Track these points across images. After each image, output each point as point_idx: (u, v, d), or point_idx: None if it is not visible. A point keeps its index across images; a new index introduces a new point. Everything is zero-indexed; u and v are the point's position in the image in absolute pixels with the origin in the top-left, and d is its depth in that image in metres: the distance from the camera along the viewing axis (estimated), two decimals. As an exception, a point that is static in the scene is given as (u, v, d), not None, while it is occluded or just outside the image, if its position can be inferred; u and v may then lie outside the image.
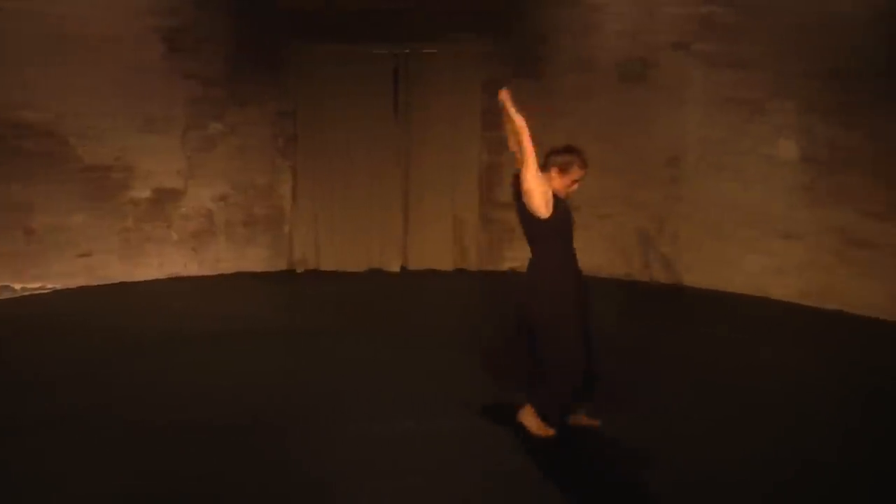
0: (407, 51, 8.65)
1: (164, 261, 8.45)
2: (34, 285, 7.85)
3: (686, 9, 8.11)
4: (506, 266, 9.13)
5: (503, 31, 8.61)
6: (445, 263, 9.17)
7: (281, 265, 8.89)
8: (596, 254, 8.80)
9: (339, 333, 6.94)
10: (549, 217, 4.71)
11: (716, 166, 8.28)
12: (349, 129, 8.77)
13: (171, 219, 8.45)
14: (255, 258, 8.82)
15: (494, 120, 8.74)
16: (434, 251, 9.16)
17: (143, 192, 8.27)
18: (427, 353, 6.49)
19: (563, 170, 4.80)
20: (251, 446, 4.85)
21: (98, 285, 8.10)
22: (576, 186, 4.85)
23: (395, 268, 9.11)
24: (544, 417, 4.90)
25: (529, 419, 4.95)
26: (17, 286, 7.78)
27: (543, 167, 4.76)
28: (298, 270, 8.86)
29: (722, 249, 8.33)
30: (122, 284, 8.21)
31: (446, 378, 5.95)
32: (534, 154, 4.64)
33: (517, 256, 9.02)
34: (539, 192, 4.65)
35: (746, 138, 8.09)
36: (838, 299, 7.71)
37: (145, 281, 8.32)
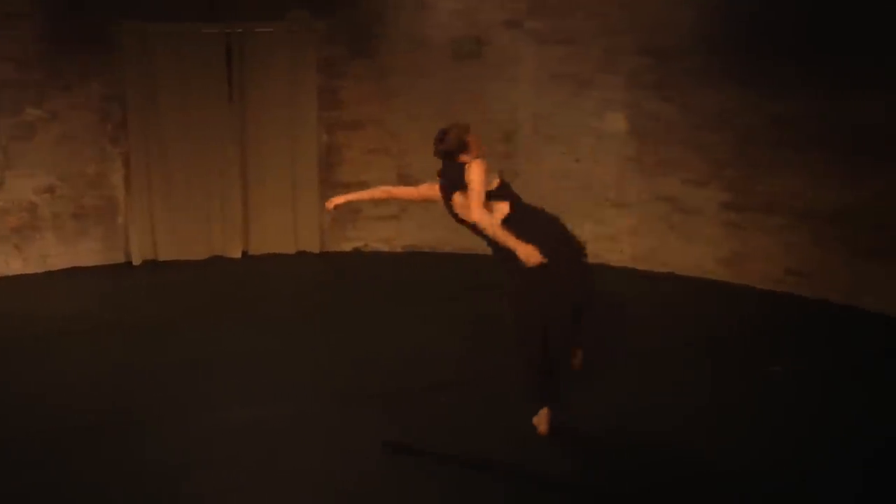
0: (240, 30, 8.38)
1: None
2: None
3: (516, -13, 8.34)
4: (349, 247, 9.11)
5: (339, 9, 8.51)
6: (288, 247, 9.03)
7: (117, 258, 8.44)
8: (436, 229, 8.97)
9: (180, 325, 6.77)
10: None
11: (548, 140, 8.58)
12: (182, 112, 8.41)
13: (-12, 214, 7.86)
14: (87, 252, 8.32)
15: (331, 100, 8.76)
16: (276, 235, 8.98)
17: (-48, 186, 7.65)
18: (269, 339, 6.42)
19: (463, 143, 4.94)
20: (92, 446, 4.73)
21: None
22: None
23: (237, 254, 8.87)
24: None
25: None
26: None
27: (453, 153, 4.85)
28: (135, 262, 8.45)
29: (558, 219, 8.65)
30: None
31: (287, 365, 5.93)
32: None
33: (360, 237, 9.08)
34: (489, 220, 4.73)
35: (577, 112, 8.42)
36: (669, 262, 8.22)
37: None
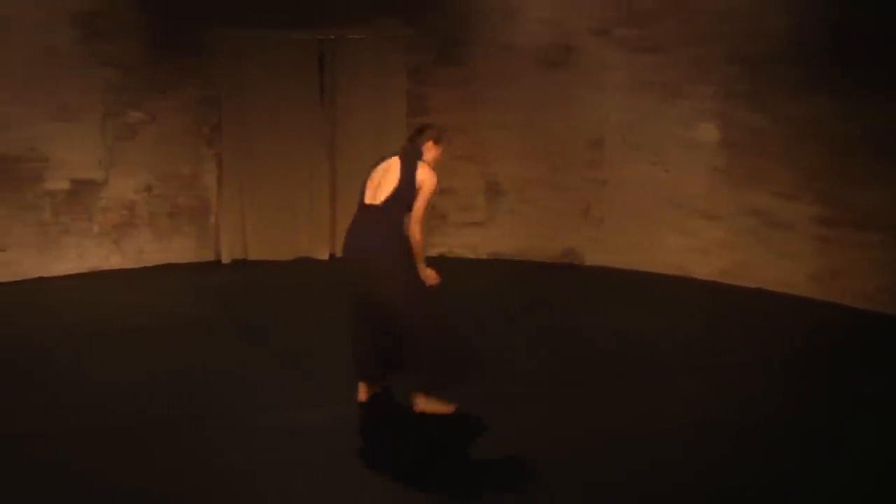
0: (332, 37, 8.56)
1: (84, 254, 8.19)
2: (-54, 282, 7.57)
3: (605, -4, 8.27)
4: (433, 252, 9.16)
5: (427, 16, 8.60)
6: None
7: (208, 256, 8.72)
8: (522, 238, 8.96)
9: (263, 324, 6.89)
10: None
11: (637, 149, 8.46)
12: (274, 116, 8.64)
13: (91, 211, 8.19)
14: (180, 249, 8.63)
15: (418, 106, 8.85)
16: (362, 238, 9.11)
17: (59, 184, 7.99)
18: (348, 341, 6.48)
19: (437, 141, 5.30)
20: (168, 442, 4.83)
21: (13, 281, 7.82)
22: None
23: (324, 255, 9.04)
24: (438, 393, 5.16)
25: (427, 404, 5.18)
26: (-73, 284, 7.50)
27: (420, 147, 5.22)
28: (225, 261, 8.71)
29: (644, 231, 8.53)
30: (40, 280, 7.94)
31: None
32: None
33: (445, 242, 9.12)
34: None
35: (665, 122, 8.28)
36: (758, 278, 8.00)
37: (64, 275, 8.06)
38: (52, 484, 4.37)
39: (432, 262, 8.81)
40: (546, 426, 5.16)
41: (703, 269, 8.26)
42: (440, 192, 8.90)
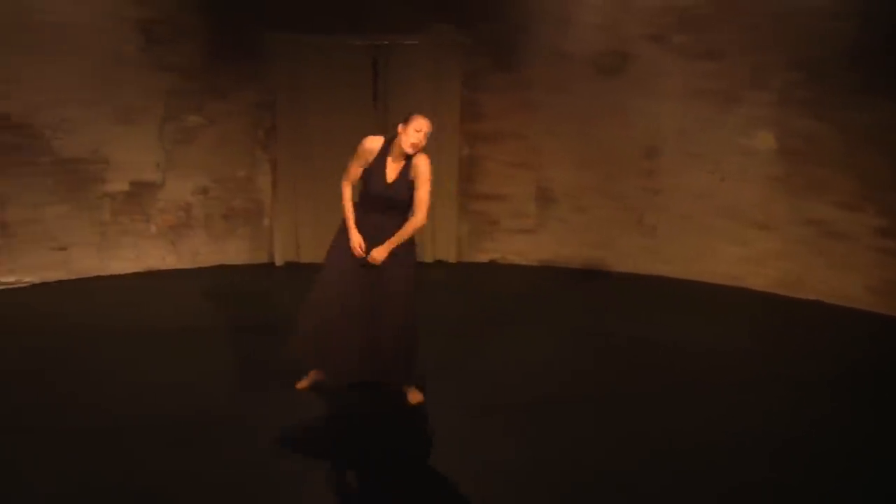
0: (386, 42, 8.62)
1: (141, 254, 8.39)
2: (9, 279, 7.78)
3: (663, 1, 8.13)
4: (485, 258, 9.15)
5: (482, 23, 8.61)
6: (425, 255, 9.17)
7: (261, 258, 8.85)
8: (574, 245, 8.88)
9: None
10: None
11: (693, 157, 8.32)
12: (329, 120, 8.71)
13: (149, 212, 8.39)
14: (234, 251, 8.77)
15: (473, 112, 8.86)
16: (414, 243, 9.15)
17: (119, 185, 8.19)
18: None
19: (405, 122, 5.10)
20: (215, 439, 4.89)
21: (74, 279, 8.03)
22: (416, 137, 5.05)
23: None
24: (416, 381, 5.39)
25: (416, 395, 5.38)
26: (-8, 280, 7.75)
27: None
28: (278, 263, 8.83)
29: (699, 240, 8.39)
30: (98, 278, 8.14)
31: (425, 372, 5.97)
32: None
33: (496, 248, 9.10)
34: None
35: (723, 130, 8.14)
36: (815, 290, 7.79)
37: (122, 274, 8.25)
38: (100, 478, 4.47)
39: (483, 267, 8.96)
40: (592, 435, 5.11)
41: (758, 279, 8.08)
42: (492, 197, 9.00)
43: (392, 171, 5.07)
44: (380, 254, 5.12)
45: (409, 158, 5.06)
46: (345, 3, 8.47)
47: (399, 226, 5.11)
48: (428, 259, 9.16)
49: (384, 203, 5.11)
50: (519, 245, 9.07)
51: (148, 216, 8.39)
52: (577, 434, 5.10)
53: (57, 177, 7.90)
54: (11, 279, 7.81)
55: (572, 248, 8.88)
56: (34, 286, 7.85)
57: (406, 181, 5.07)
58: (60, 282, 7.96)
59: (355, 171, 5.21)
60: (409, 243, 5.22)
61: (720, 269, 8.28)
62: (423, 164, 5.06)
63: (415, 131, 4.97)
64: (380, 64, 8.69)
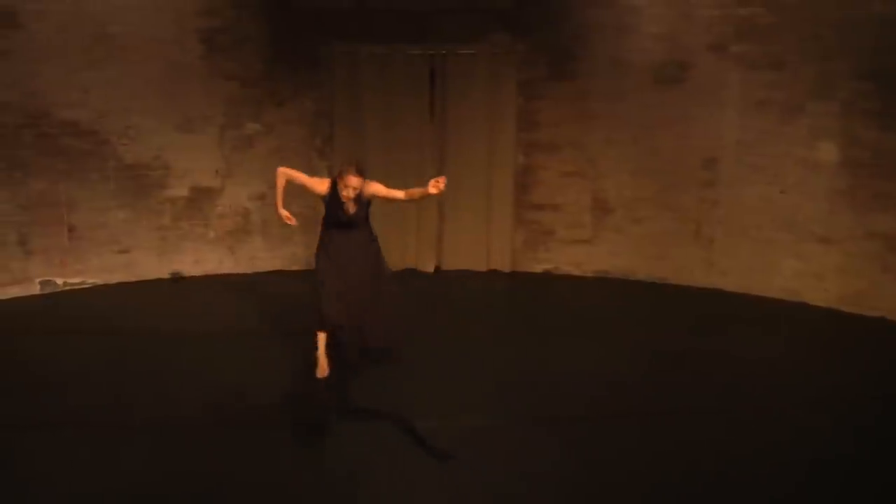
0: (443, 52, 8.67)
1: (200, 258, 8.59)
2: (75, 280, 8.06)
3: (723, 10, 7.98)
4: (539, 268, 9.10)
5: (539, 32, 8.58)
6: (479, 264, 9.18)
7: (316, 264, 8.98)
8: (629, 256, 8.77)
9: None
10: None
11: (752, 169, 8.13)
12: (385, 128, 8.80)
13: (208, 217, 8.59)
14: (291, 257, 8.91)
15: (529, 121, 8.83)
16: (468, 252, 9.16)
17: (180, 191, 8.42)
18: (453, 353, 6.51)
19: (339, 176, 5.90)
20: (277, 442, 4.94)
21: (135, 281, 8.27)
22: (350, 191, 5.86)
23: (430, 268, 9.14)
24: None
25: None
26: (60, 281, 8.00)
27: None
28: (333, 269, 8.94)
29: (758, 253, 8.19)
30: (159, 281, 8.37)
31: (467, 380, 5.97)
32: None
33: (551, 259, 9.04)
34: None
35: (784, 141, 7.94)
36: (880, 306, 7.54)
37: (181, 278, 8.46)
38: (160, 473, 4.58)
39: (537, 277, 8.91)
40: (644, 451, 5.01)
41: (818, 294, 7.85)
42: (548, 207, 8.94)
43: (350, 206, 5.94)
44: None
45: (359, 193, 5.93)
46: (403, 13, 8.54)
47: (365, 236, 6.11)
48: (482, 268, 9.16)
49: (349, 226, 6.00)
50: (574, 255, 8.99)
51: (207, 221, 8.58)
52: (623, 446, 5.03)
53: (121, 182, 8.16)
54: (78, 280, 8.08)
55: (628, 260, 8.77)
56: (98, 287, 8.11)
57: (363, 207, 6.00)
58: (122, 284, 8.20)
59: (299, 180, 6.14)
60: (375, 239, 6.22)
61: (778, 283, 8.07)
62: (374, 188, 5.95)
63: (346, 186, 5.82)
64: (437, 73, 8.75)
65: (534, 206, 9.04)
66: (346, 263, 6.02)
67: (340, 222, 6.01)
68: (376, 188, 5.98)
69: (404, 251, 9.07)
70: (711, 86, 8.19)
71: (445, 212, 9.11)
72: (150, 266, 8.40)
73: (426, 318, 7.50)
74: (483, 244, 9.17)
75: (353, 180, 5.80)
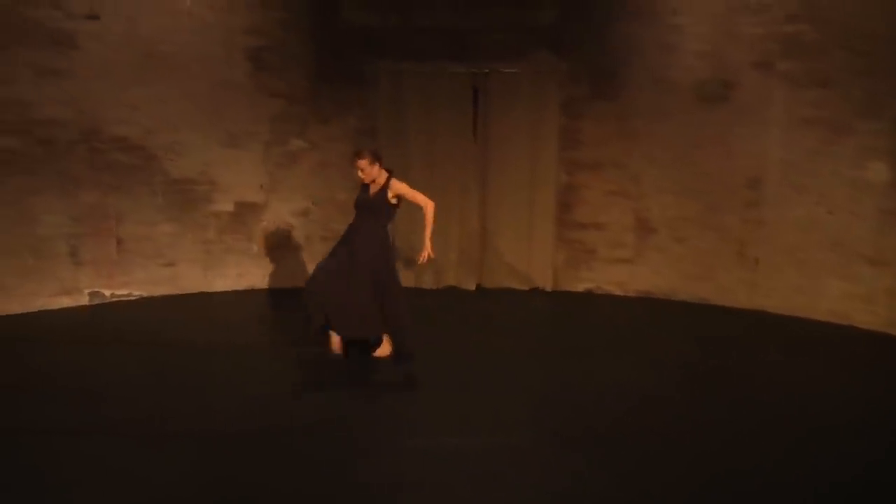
0: (486, 70, 8.71)
1: (244, 272, 8.72)
2: (122, 292, 8.23)
3: (769, 27, 7.88)
4: (581, 287, 9.04)
5: (582, 50, 8.57)
6: (521, 283, 9.15)
7: (357, 280, 9.04)
8: (672, 276, 8.66)
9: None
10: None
11: (798, 189, 7.99)
12: (428, 146, 8.87)
13: (252, 232, 8.72)
14: (332, 272, 9.00)
15: (571, 140, 8.80)
16: (510, 271, 9.14)
17: (225, 206, 8.58)
18: (492, 371, 6.48)
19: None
20: (302, 454, 4.95)
21: (179, 294, 8.42)
22: (358, 173, 6.42)
23: (471, 286, 9.13)
24: (400, 346, 6.46)
25: (387, 349, 6.54)
26: (107, 292, 8.18)
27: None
28: (374, 286, 8.99)
29: (804, 275, 8.02)
30: (202, 294, 8.51)
31: (504, 398, 5.93)
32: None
33: (593, 278, 8.97)
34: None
35: (831, 160, 7.78)
36: (931, 331, 7.33)
37: (224, 291, 8.60)
38: (196, 485, 4.60)
39: (578, 296, 8.84)
40: (683, 476, 4.84)
41: (867, 318, 7.65)
42: (590, 226, 8.89)
43: (370, 191, 6.46)
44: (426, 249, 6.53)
45: (385, 184, 6.41)
46: (447, 31, 8.61)
47: (371, 227, 6.42)
48: (523, 287, 9.13)
49: (362, 210, 6.48)
50: (616, 275, 8.91)
51: (251, 236, 8.72)
52: (658, 466, 4.92)
53: (168, 196, 8.34)
54: (124, 291, 8.26)
55: (670, 280, 8.66)
56: (143, 299, 8.27)
57: (380, 198, 6.40)
58: (167, 296, 8.36)
59: None
60: (385, 238, 6.49)
61: (825, 305, 7.89)
62: (399, 186, 6.40)
63: (355, 168, 6.40)
64: (480, 91, 8.79)
65: (576, 224, 9.00)
66: (345, 245, 6.45)
67: (357, 203, 6.52)
68: (401, 187, 6.39)
69: (446, 268, 9.09)
70: (756, 104, 8.08)
71: (487, 229, 9.11)
72: (195, 279, 8.55)
73: (465, 335, 7.52)
74: (525, 262, 9.14)
75: (358, 162, 6.33)
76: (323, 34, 8.59)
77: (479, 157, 8.96)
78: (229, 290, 8.63)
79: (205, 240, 8.56)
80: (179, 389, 5.98)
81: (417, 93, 8.77)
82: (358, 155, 6.36)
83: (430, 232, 6.45)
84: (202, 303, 8.34)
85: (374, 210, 6.42)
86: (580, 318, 8.29)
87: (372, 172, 6.37)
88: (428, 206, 6.40)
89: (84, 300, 8.07)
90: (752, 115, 8.11)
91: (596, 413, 5.71)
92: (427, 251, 6.48)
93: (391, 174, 6.46)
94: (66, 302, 7.98)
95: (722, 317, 8.18)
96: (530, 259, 9.13)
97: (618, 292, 8.91)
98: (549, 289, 9.10)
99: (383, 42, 8.60)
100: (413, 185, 8.87)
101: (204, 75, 8.30)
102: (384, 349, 6.58)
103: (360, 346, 6.59)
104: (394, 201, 6.42)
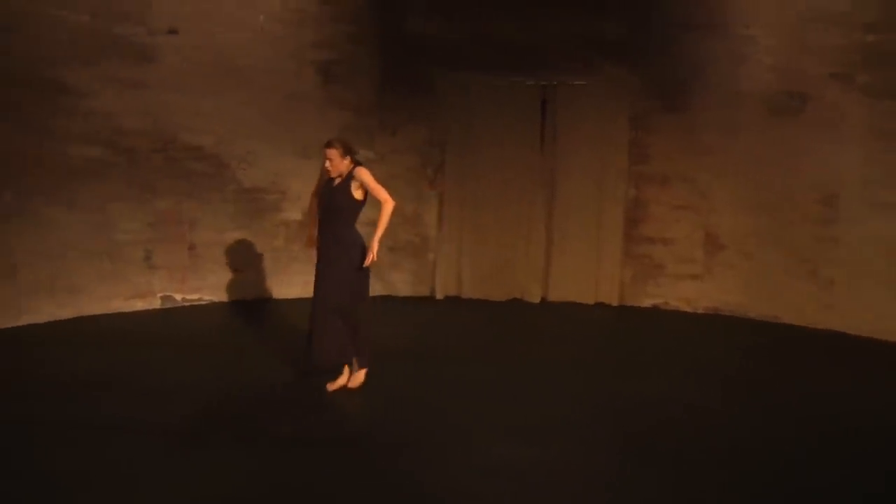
0: (555, 82, 8.68)
1: (310, 281, 8.80)
2: (193, 296, 8.48)
3: (846, 39, 7.67)
4: (648, 303, 8.89)
5: (651, 63, 8.46)
6: (587, 297, 9.05)
7: (424, 291, 9.10)
8: (741, 293, 8.44)
9: (468, 359, 6.99)
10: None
11: (877, 206, 7.70)
12: (496, 158, 8.88)
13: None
14: (398, 283, 9.08)
15: (640, 153, 8.68)
16: (575, 284, 9.06)
17: (293, 214, 8.74)
18: (553, 383, 6.43)
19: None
20: (365, 461, 4.97)
21: (247, 300, 8.63)
22: (325, 163, 5.95)
23: (536, 299, 9.09)
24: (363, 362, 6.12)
25: (362, 378, 6.12)
26: (178, 297, 8.43)
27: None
28: (439, 297, 9.03)
29: (882, 295, 7.72)
30: (269, 300, 8.69)
31: (562, 409, 5.86)
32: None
33: (660, 294, 8.82)
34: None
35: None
36: None
37: (290, 299, 8.75)
38: (248, 489, 4.67)
39: (644, 312, 8.69)
40: (725, 490, 4.73)
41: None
42: (657, 241, 8.73)
43: (335, 184, 5.98)
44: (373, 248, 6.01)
45: (349, 173, 5.94)
46: (515, 43, 8.62)
47: (338, 231, 6.00)
48: (589, 301, 9.03)
49: (329, 212, 6.00)
50: (684, 291, 8.74)
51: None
52: (713, 485, 4.80)
53: (239, 204, 8.55)
54: (195, 296, 8.50)
55: (739, 297, 8.45)
56: (213, 304, 8.50)
57: (344, 189, 5.92)
58: (235, 302, 8.56)
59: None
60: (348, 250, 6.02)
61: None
62: (362, 173, 5.95)
63: (325, 157, 5.93)
64: (548, 104, 8.76)
65: (644, 239, 8.87)
66: (321, 266, 6.08)
67: (320, 201, 6.05)
68: (365, 175, 5.93)
69: (511, 281, 9.07)
70: (831, 117, 7.86)
71: (553, 242, 9.05)
72: (262, 286, 8.74)
73: (524, 346, 7.48)
74: (591, 276, 9.05)
75: (328, 152, 5.88)
76: (391, 47, 8.70)
77: (547, 169, 8.93)
78: (294, 297, 8.78)
79: (273, 248, 8.74)
80: (245, 391, 6.10)
81: (486, 104, 8.80)
82: (328, 144, 5.89)
83: (382, 234, 5.97)
84: (269, 309, 8.51)
85: (337, 207, 5.94)
86: (645, 334, 8.15)
87: (341, 166, 5.90)
88: (387, 203, 5.94)
89: (157, 304, 8.33)
90: (827, 128, 7.89)
91: (654, 428, 5.57)
92: (373, 254, 5.93)
93: (358, 163, 6.00)
94: (139, 305, 8.24)
95: (792, 336, 7.94)
96: (597, 273, 9.03)
97: (685, 308, 8.74)
98: (615, 303, 8.99)
99: (451, 54, 8.66)
100: (481, 197, 9.07)
101: (275, 87, 8.50)
102: (356, 378, 6.14)
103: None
104: (358, 196, 5.95)
